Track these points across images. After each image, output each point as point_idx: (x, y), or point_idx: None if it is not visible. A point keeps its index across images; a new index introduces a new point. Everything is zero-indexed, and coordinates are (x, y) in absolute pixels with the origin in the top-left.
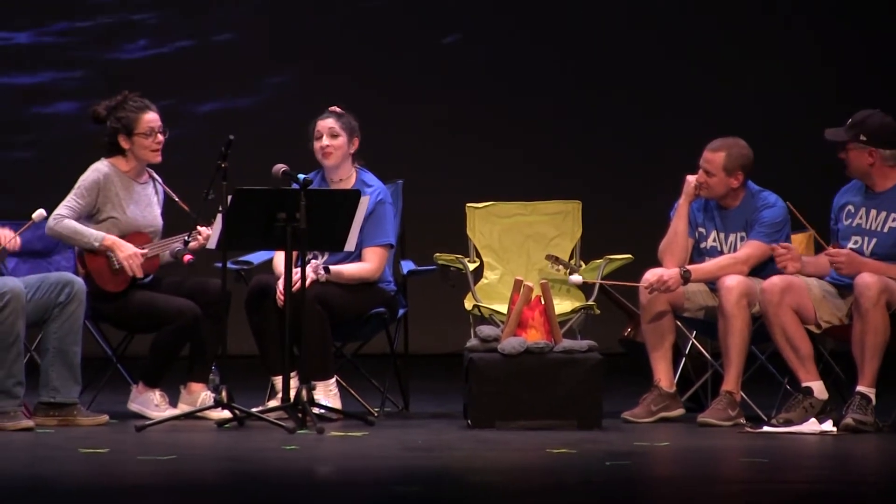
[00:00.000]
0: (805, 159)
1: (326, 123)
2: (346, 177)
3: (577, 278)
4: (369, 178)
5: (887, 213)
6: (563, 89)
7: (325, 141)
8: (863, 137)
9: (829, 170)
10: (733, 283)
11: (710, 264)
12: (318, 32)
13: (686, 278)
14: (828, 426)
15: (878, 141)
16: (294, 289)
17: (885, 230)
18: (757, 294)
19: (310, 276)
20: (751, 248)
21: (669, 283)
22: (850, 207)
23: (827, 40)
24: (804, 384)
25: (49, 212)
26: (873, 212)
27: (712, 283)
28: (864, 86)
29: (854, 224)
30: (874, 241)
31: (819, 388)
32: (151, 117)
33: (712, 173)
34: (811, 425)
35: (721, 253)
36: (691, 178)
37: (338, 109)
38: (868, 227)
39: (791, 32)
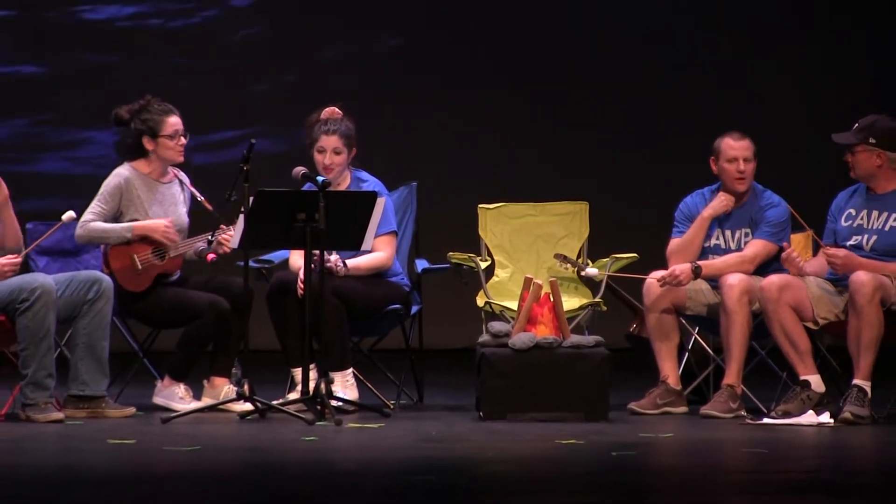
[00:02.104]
0: (805, 160)
1: (331, 141)
2: (343, 179)
3: (593, 271)
4: (363, 175)
5: (889, 214)
6: (572, 93)
7: (329, 159)
8: (872, 140)
9: (828, 171)
10: (735, 280)
11: (719, 262)
12: (330, 34)
13: (697, 273)
14: (825, 418)
15: (886, 143)
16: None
17: (887, 228)
18: (757, 292)
19: (329, 266)
20: (757, 248)
21: (681, 277)
22: (852, 211)
23: (827, 42)
24: (802, 377)
25: (78, 213)
26: (875, 213)
27: (714, 282)
28: (863, 87)
29: (855, 225)
30: (874, 237)
31: (816, 382)
32: (175, 120)
33: (750, 160)
34: (809, 417)
35: (724, 250)
36: (726, 199)
37: (336, 113)
38: (869, 226)
39: (791, 35)
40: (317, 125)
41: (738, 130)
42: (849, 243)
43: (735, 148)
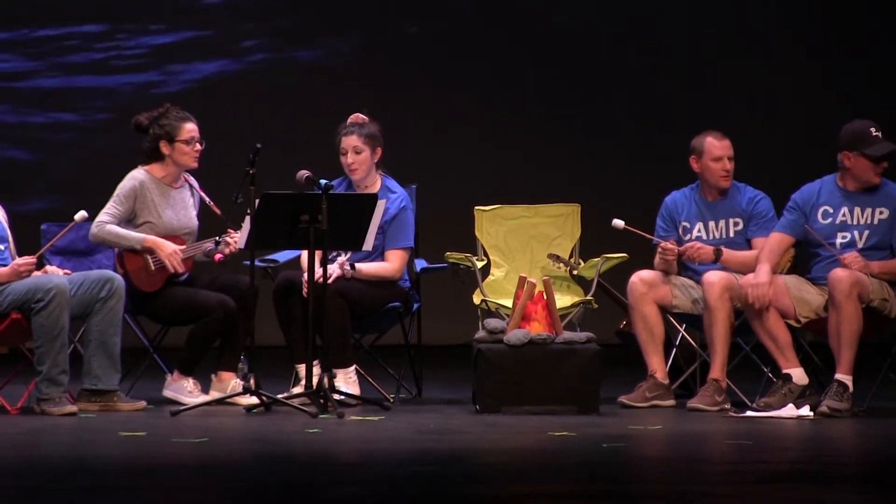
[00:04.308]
0: (794, 160)
1: (350, 141)
2: (371, 183)
3: (619, 222)
4: (392, 184)
5: (873, 208)
6: (565, 99)
7: (350, 158)
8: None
9: (810, 171)
10: (716, 278)
11: (740, 255)
12: (334, 43)
13: (718, 255)
14: (805, 411)
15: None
16: (316, 277)
17: (876, 222)
18: (738, 289)
19: (336, 271)
20: (766, 241)
21: (701, 252)
22: (828, 208)
23: (815, 42)
24: (784, 371)
25: (90, 213)
26: (857, 209)
27: (698, 278)
28: (851, 84)
29: (837, 222)
30: (866, 232)
31: (798, 375)
32: (192, 127)
33: (732, 158)
34: (789, 410)
35: (706, 241)
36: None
37: (360, 118)
38: (855, 222)
39: (779, 36)
40: (339, 130)
41: (718, 130)
42: (837, 241)
43: (719, 147)
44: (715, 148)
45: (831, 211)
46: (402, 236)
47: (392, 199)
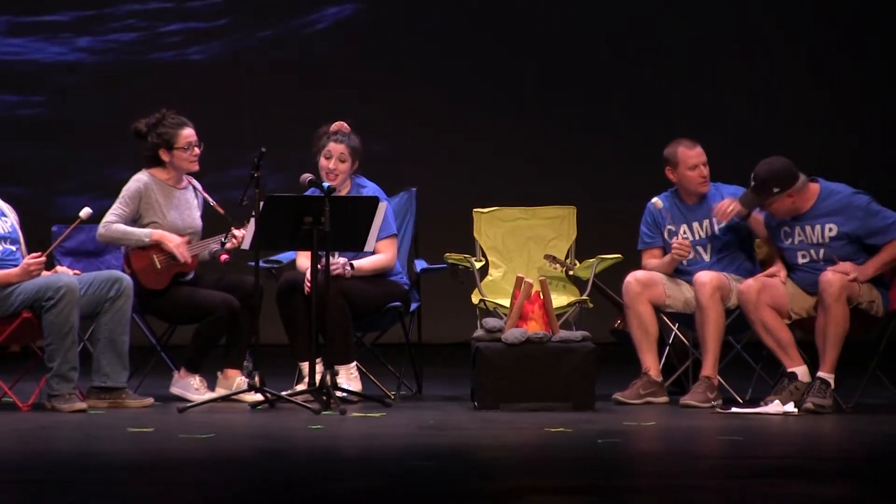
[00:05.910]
0: (793, 160)
1: (338, 148)
2: (344, 187)
3: (657, 201)
4: (362, 181)
5: (822, 225)
6: (563, 102)
7: (333, 164)
8: (776, 189)
9: (815, 170)
10: (707, 279)
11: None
12: (336, 47)
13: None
14: (790, 408)
15: (787, 182)
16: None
17: (827, 239)
18: (729, 288)
19: (337, 270)
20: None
21: (733, 206)
22: (787, 228)
23: (810, 43)
24: (789, 370)
25: (94, 210)
26: (808, 227)
27: (689, 278)
28: (850, 84)
29: (796, 242)
30: (822, 250)
31: (803, 372)
32: (189, 133)
33: (706, 163)
34: (775, 407)
35: (694, 242)
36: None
37: (345, 127)
38: (810, 241)
39: (777, 36)
40: (326, 135)
41: (688, 139)
42: (799, 260)
43: (693, 156)
44: (689, 157)
45: (789, 231)
46: (384, 226)
47: (364, 193)
